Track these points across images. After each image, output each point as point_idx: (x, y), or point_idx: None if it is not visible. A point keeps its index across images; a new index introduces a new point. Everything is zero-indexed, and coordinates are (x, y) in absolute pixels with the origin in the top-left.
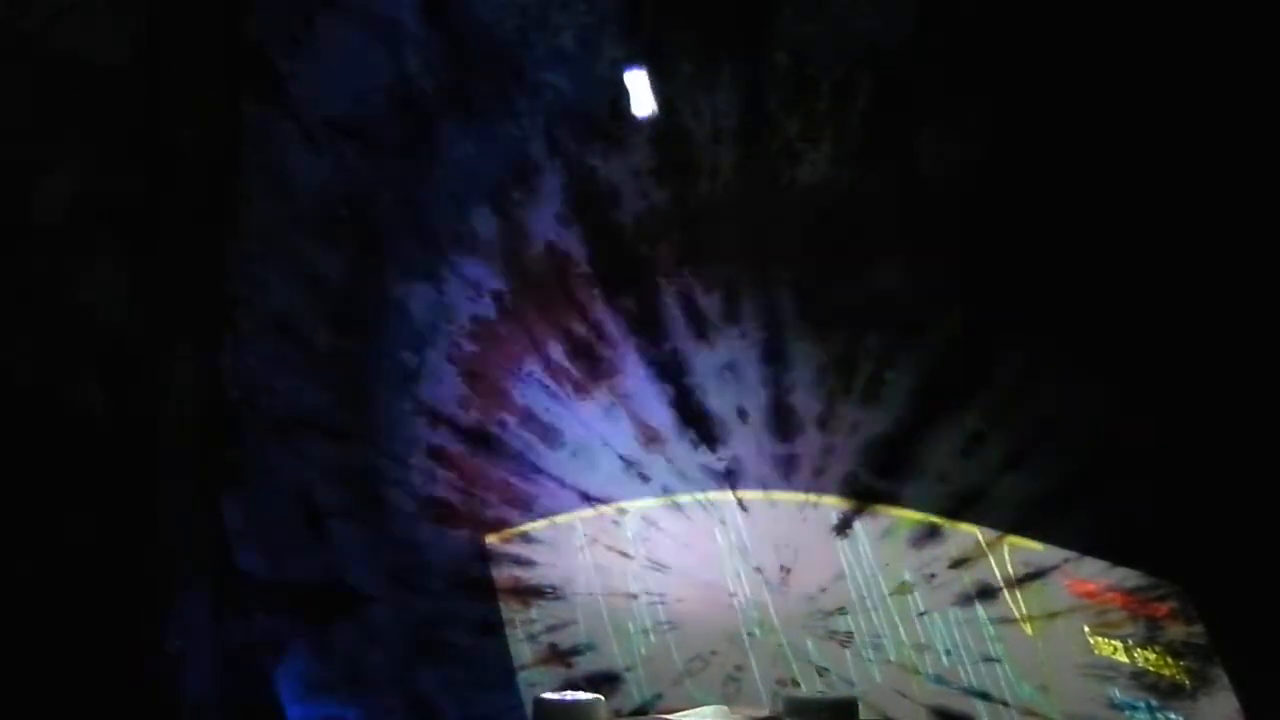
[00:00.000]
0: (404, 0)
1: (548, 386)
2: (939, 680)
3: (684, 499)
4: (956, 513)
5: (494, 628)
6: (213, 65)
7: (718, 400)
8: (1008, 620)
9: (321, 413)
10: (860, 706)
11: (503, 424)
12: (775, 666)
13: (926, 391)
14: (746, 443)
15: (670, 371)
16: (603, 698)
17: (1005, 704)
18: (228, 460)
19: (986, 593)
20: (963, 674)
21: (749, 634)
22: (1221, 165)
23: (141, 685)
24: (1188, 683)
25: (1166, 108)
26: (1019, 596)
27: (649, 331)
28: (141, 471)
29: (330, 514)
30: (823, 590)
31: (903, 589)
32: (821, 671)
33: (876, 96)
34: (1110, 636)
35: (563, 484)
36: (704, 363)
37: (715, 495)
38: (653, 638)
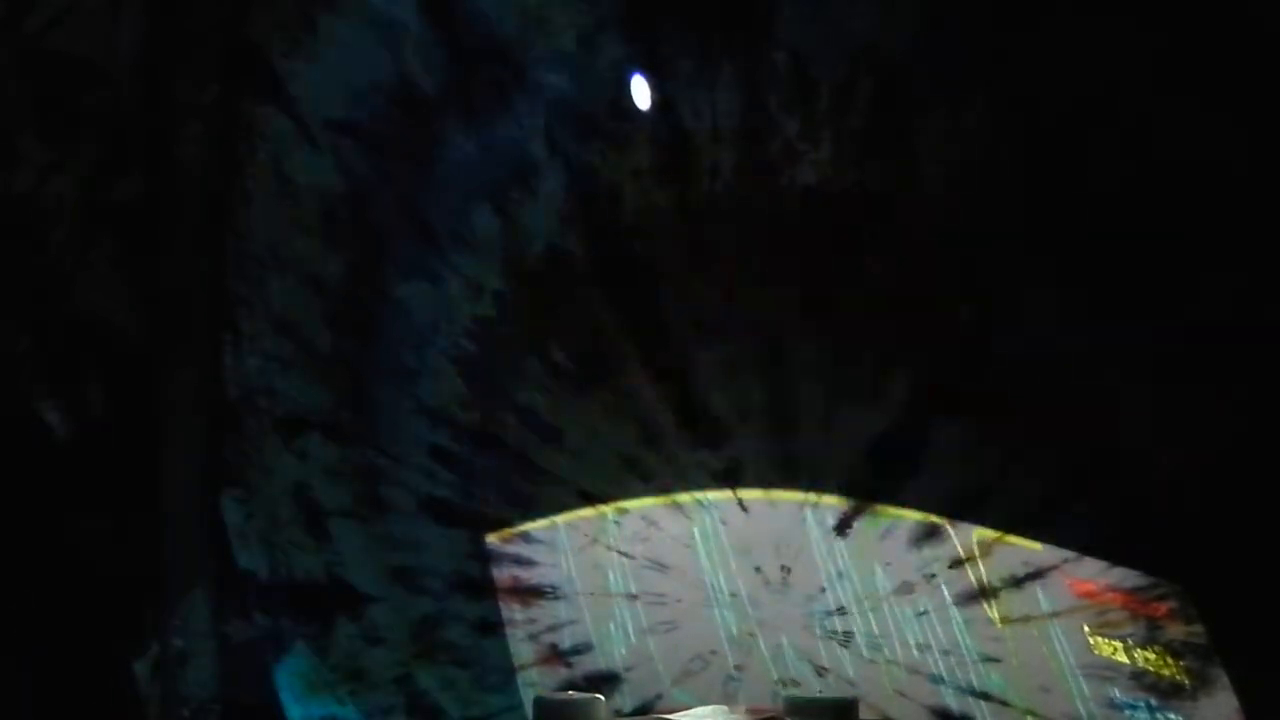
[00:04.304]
0: (404, 0)
1: (548, 386)
2: (939, 680)
3: (684, 499)
4: (956, 513)
5: (494, 628)
6: (213, 65)
7: (718, 400)
8: (1008, 620)
9: (322, 413)
10: (860, 706)
11: (503, 424)
12: (775, 666)
13: (926, 391)
14: (747, 442)
15: (671, 371)
16: (603, 697)
17: (1005, 704)
18: (228, 460)
19: (986, 592)
20: (962, 674)
21: (749, 634)
22: (1223, 165)
23: (140, 684)
24: (1188, 683)
25: (1168, 107)
26: (1019, 596)
27: (650, 331)
28: (141, 471)
29: (330, 514)
30: (823, 590)
31: (903, 589)
32: (821, 671)
33: (876, 96)
34: (1110, 636)
35: (564, 484)
36: (704, 362)
37: (715, 495)
38: (653, 638)
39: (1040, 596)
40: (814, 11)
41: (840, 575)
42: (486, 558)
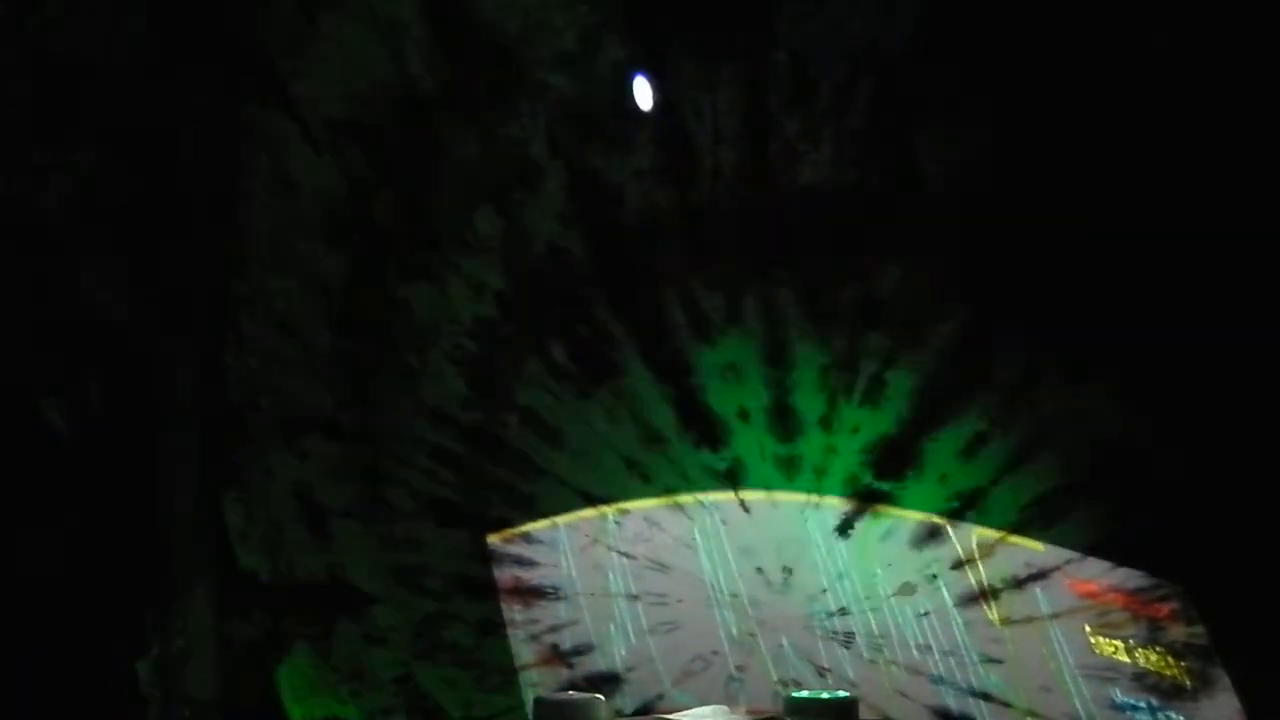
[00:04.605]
0: (404, 0)
1: (549, 386)
2: (940, 681)
3: (685, 499)
4: (957, 513)
5: (494, 628)
6: (213, 65)
7: (719, 400)
8: (1009, 621)
9: (322, 413)
10: (860, 707)
11: (504, 424)
12: (776, 667)
13: (926, 391)
14: (748, 443)
15: (672, 372)
16: (603, 698)
17: (1006, 704)
18: (228, 460)
19: (987, 593)
20: (964, 675)
21: (750, 634)
22: (1223, 166)
23: (140, 684)
24: (1189, 683)
25: (1169, 108)
26: (1020, 597)
27: (650, 331)
28: (142, 471)
29: (330, 514)
30: (824, 590)
31: (904, 589)
32: (822, 672)
33: (877, 96)
34: (1111, 637)
35: (564, 484)
36: (705, 363)
37: (717, 495)
38: (654, 638)
39: (1042, 597)
40: (814, 11)
41: (841, 576)
42: (487, 558)
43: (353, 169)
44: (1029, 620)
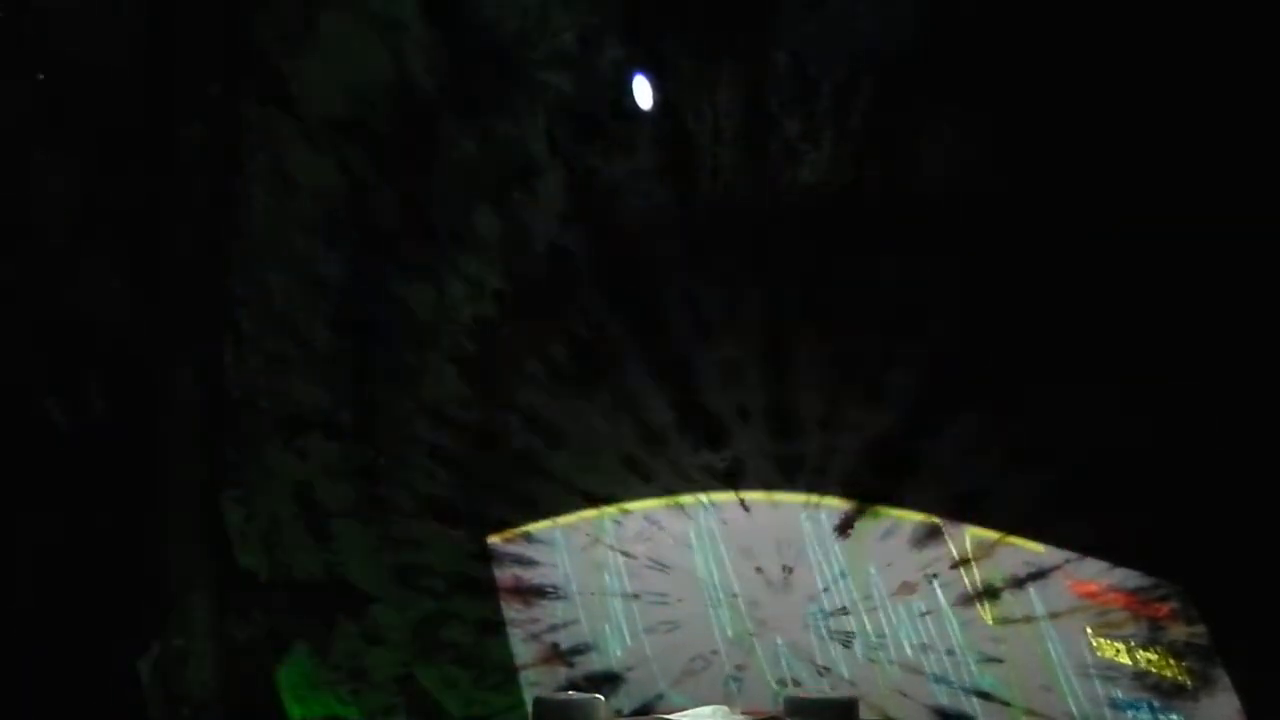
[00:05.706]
0: (404, 0)
1: (548, 386)
2: (940, 680)
3: (685, 499)
4: (957, 513)
5: (494, 628)
6: (213, 65)
7: (719, 400)
8: (1009, 621)
9: (321, 413)
10: (860, 706)
11: (504, 424)
12: (775, 667)
13: (926, 391)
14: (748, 443)
15: (671, 371)
16: (603, 697)
17: (1005, 704)
18: (228, 460)
19: (987, 593)
20: (964, 674)
21: (749, 634)
22: (1222, 166)
23: (140, 684)
24: (1189, 683)
25: (1167, 108)
26: (1020, 597)
27: (650, 331)
28: (142, 471)
29: (330, 514)
30: (824, 590)
31: (904, 589)
32: (822, 671)
33: (876, 97)
34: (1112, 637)
35: (564, 484)
36: (705, 362)
37: (717, 495)
38: (654, 637)
39: (1041, 597)
40: (814, 11)
41: (841, 576)
42: (487, 558)
43: (353, 169)
44: (1028, 620)
